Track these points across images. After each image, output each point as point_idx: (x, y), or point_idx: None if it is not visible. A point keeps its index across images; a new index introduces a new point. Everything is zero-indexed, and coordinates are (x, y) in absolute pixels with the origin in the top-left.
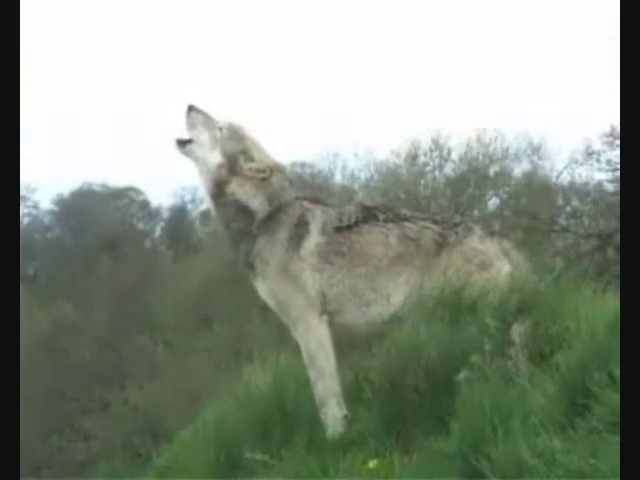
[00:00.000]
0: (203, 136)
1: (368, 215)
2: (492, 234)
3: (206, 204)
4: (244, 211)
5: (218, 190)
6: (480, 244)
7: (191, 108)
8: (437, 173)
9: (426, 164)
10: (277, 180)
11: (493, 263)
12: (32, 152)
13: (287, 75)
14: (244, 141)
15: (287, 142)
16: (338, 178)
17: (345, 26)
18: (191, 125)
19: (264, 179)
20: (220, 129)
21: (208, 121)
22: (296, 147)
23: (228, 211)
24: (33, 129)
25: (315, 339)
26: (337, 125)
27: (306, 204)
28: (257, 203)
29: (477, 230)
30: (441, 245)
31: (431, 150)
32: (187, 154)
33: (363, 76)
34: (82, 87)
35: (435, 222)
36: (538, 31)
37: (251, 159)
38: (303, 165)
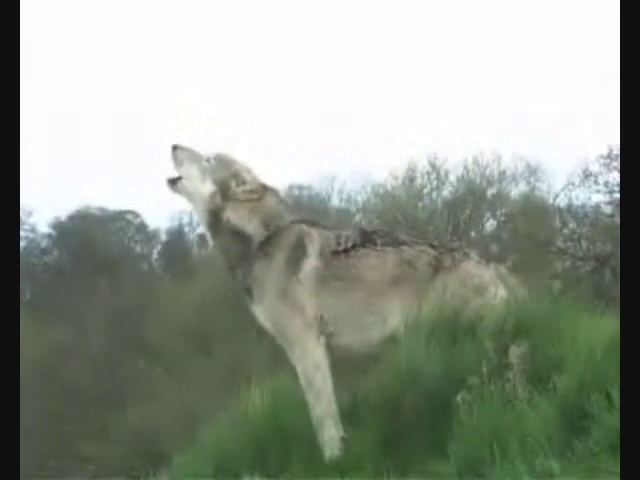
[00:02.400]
0: (192, 170)
1: (366, 239)
2: (488, 260)
3: (205, 233)
4: (240, 236)
5: (214, 219)
6: (476, 269)
7: (175, 147)
8: (434, 195)
9: (423, 186)
10: (271, 202)
11: (488, 288)
12: (29, 175)
13: (284, 97)
14: (233, 166)
15: (284, 164)
16: (335, 201)
17: (341, 47)
18: (178, 163)
19: (258, 200)
20: (207, 160)
21: (194, 155)
22: (293, 169)
23: (225, 238)
24: (30, 152)
25: (312, 361)
26: (334, 147)
27: (303, 227)
28: (252, 227)
29: (473, 255)
30: (437, 269)
31: (428, 172)
32: (180, 191)
33: (359, 98)
34: (79, 109)
35: (432, 247)
36: (534, 52)
37: (243, 182)
38: (300, 187)
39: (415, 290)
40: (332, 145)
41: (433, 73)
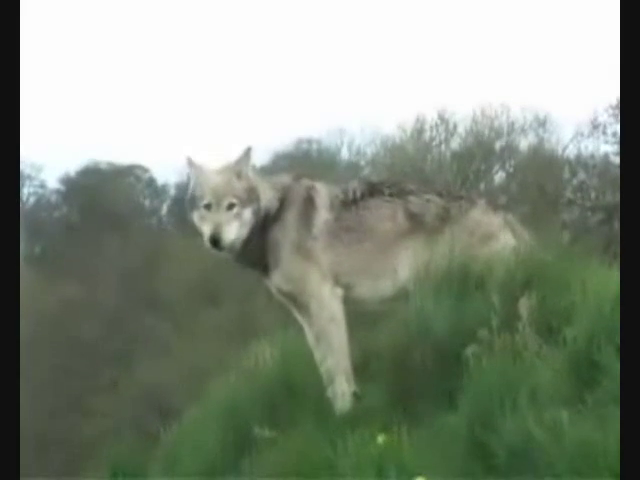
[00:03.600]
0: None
1: (373, 190)
2: (496, 207)
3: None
4: (265, 219)
5: (252, 234)
6: (484, 216)
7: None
8: (443, 148)
9: (432, 139)
10: (256, 177)
11: (497, 236)
12: (38, 131)
13: (292, 51)
14: (227, 182)
15: (292, 118)
16: (344, 154)
17: (351, 2)
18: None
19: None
20: (229, 205)
21: (222, 218)
22: (302, 123)
23: (255, 238)
24: (38, 107)
25: (328, 314)
26: (343, 101)
27: (308, 182)
28: (269, 202)
29: (481, 203)
30: (445, 219)
31: (437, 125)
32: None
33: (368, 50)
34: (87, 62)
35: (439, 195)
36: (544, 3)
37: (239, 177)
38: (309, 141)
39: (424, 241)
40: (341, 98)
41: (440, 24)
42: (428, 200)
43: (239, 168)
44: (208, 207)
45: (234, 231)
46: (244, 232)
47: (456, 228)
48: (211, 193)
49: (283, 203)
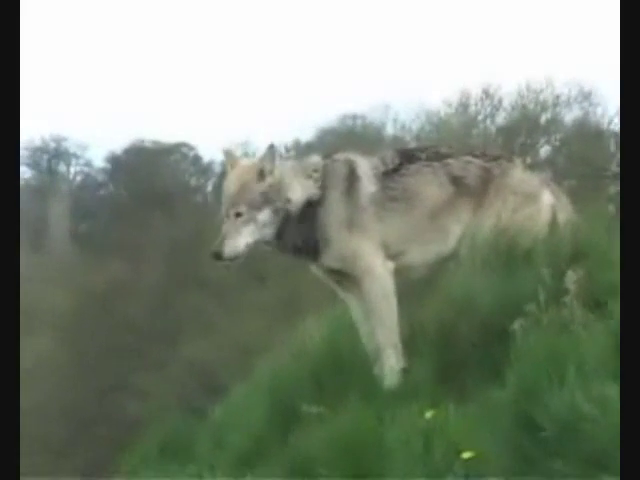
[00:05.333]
0: (238, 249)
1: (409, 157)
2: (531, 167)
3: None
4: (307, 208)
5: (282, 230)
6: (524, 175)
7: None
8: (488, 122)
9: (477, 113)
10: (285, 167)
11: (539, 194)
12: (84, 110)
13: (335, 27)
14: (242, 187)
15: (337, 94)
16: (389, 130)
17: None
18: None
19: (275, 177)
20: (237, 214)
21: (229, 229)
22: (347, 99)
23: (294, 229)
24: (83, 87)
25: (381, 290)
26: (388, 76)
27: (343, 157)
28: (308, 191)
29: (518, 161)
30: (486, 180)
31: (482, 99)
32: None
33: (413, 25)
34: (133, 41)
35: (476, 156)
36: None
37: (261, 177)
38: (354, 117)
39: (470, 204)
40: (385, 74)
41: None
42: (468, 162)
43: (261, 167)
44: (223, 217)
45: (237, 242)
46: (257, 235)
47: (500, 188)
48: (225, 202)
49: (323, 184)
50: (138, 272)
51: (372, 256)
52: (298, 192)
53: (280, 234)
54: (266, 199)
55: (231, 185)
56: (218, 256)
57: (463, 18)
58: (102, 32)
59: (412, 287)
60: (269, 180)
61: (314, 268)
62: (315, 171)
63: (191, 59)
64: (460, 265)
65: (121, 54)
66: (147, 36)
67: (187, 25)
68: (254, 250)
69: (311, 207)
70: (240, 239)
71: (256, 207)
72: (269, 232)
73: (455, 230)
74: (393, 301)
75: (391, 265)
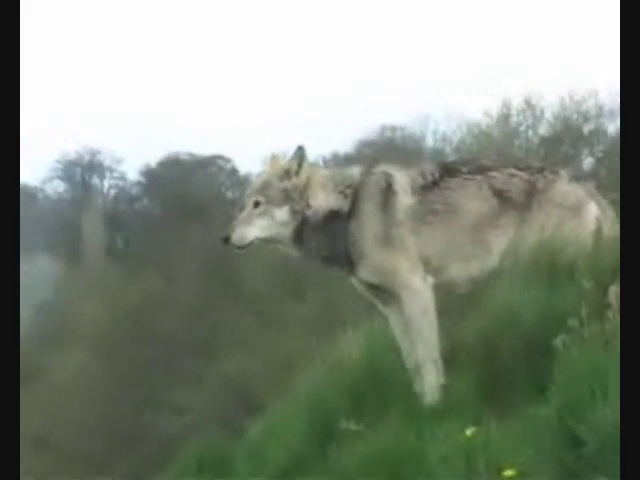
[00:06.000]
0: (249, 236)
1: (450, 170)
2: (577, 178)
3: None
4: (331, 218)
5: (298, 235)
6: (569, 187)
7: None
8: (530, 133)
9: (519, 124)
10: (321, 172)
11: (584, 206)
12: (118, 123)
13: (376, 38)
14: (275, 182)
15: (376, 106)
16: (429, 141)
17: None
18: (238, 232)
19: (310, 179)
20: (255, 203)
21: (245, 220)
22: (386, 110)
23: (316, 233)
24: (117, 99)
25: (420, 305)
26: (427, 87)
27: (380, 170)
28: (333, 200)
29: (563, 173)
30: (530, 193)
31: (523, 110)
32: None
33: (453, 36)
34: (166, 58)
35: (520, 168)
36: None
37: (286, 176)
38: (393, 128)
39: (514, 219)
40: (425, 85)
41: (526, 8)
42: (511, 174)
43: (288, 166)
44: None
45: (247, 232)
46: (272, 231)
47: (544, 202)
48: (247, 192)
49: (356, 197)
50: (174, 286)
51: (410, 271)
52: (320, 200)
53: (299, 239)
54: (286, 197)
55: (258, 178)
56: (226, 240)
57: (504, 28)
58: (138, 46)
59: (453, 302)
60: (294, 180)
61: (353, 280)
62: (348, 186)
63: (229, 72)
64: (503, 280)
65: (157, 68)
66: (184, 50)
67: (224, 37)
68: (291, 262)
69: (338, 219)
70: (251, 229)
71: (275, 202)
72: (286, 232)
73: (498, 244)
74: (433, 316)
75: (431, 280)
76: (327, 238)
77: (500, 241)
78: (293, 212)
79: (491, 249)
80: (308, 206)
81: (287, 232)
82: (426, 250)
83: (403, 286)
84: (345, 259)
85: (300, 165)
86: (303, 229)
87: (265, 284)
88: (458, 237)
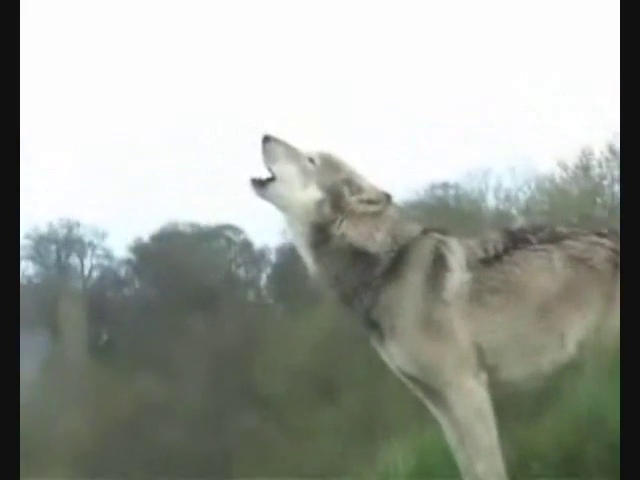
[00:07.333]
0: (290, 170)
1: (517, 239)
2: None
3: (303, 255)
4: (361, 257)
5: (321, 234)
6: None
7: (267, 139)
8: (616, 189)
9: (602, 177)
10: (394, 213)
11: None
12: (102, 189)
13: (420, 80)
14: (344, 169)
15: (423, 159)
16: (490, 201)
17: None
18: (271, 159)
19: (378, 212)
20: (310, 160)
21: (292, 152)
22: (435, 165)
23: (337, 261)
24: (99, 159)
25: (472, 407)
26: (487, 134)
27: (437, 236)
28: (378, 244)
29: None
30: (617, 264)
31: (607, 159)
32: (270, 197)
33: (518, 75)
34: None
35: (602, 235)
36: None
37: (359, 189)
38: (445, 186)
39: (596, 296)
40: (484, 132)
41: (608, 41)
42: (593, 243)
43: (370, 191)
44: None
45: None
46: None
47: None
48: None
49: (404, 256)
50: (174, 389)
51: (458, 366)
52: (356, 236)
53: (317, 251)
54: (336, 193)
55: (343, 164)
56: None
57: (583, 62)
58: (124, 93)
59: (518, 400)
60: (352, 199)
61: (383, 354)
62: (404, 237)
63: (240, 125)
64: (583, 375)
65: (147, 120)
66: (182, 99)
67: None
68: (319, 357)
69: (376, 270)
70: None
71: (323, 185)
72: (313, 221)
73: (575, 331)
74: (491, 421)
75: (484, 376)
76: (353, 279)
77: (578, 326)
78: (332, 206)
79: (564, 337)
80: (343, 235)
81: (312, 221)
82: (480, 339)
83: (448, 384)
84: (370, 321)
85: (378, 202)
86: (325, 250)
87: (288, 385)
88: (522, 323)
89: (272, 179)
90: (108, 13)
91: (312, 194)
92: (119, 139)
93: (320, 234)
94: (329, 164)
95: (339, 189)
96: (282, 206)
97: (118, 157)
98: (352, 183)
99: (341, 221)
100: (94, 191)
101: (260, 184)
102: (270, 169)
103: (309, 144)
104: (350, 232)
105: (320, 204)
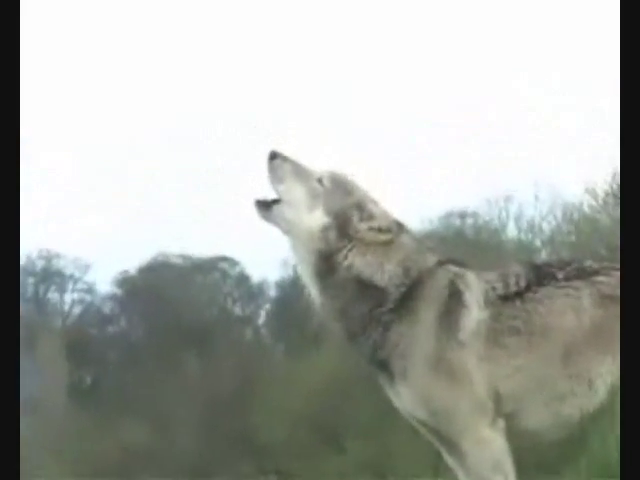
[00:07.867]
0: (296, 192)
1: (542, 274)
2: None
3: (307, 284)
4: (369, 289)
5: (326, 263)
6: None
7: (274, 156)
8: None
9: None
10: (408, 242)
11: None
12: (85, 220)
13: (435, 104)
14: (355, 193)
15: (438, 186)
16: (512, 231)
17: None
18: (277, 179)
19: (389, 242)
20: (319, 180)
21: (300, 171)
22: (451, 192)
23: (344, 293)
24: (82, 185)
25: (489, 458)
26: (508, 159)
27: (454, 269)
28: (387, 276)
29: None
30: None
31: None
32: (274, 219)
33: (539, 95)
34: (150, 132)
35: None
36: None
37: (370, 216)
38: (463, 215)
39: None
40: (505, 156)
41: (606, 40)
42: None
43: (383, 219)
44: None
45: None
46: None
47: None
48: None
49: (416, 290)
50: (164, 439)
51: (473, 414)
52: (364, 267)
53: (322, 281)
54: (344, 219)
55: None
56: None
57: (582, 62)
58: (123, 93)
59: (542, 452)
60: (362, 226)
61: (390, 394)
62: (418, 268)
63: (235, 122)
64: (614, 423)
65: (146, 120)
66: (173, 120)
67: (236, 83)
68: (324, 401)
69: (386, 302)
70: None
71: (330, 208)
72: (319, 248)
73: (605, 375)
74: (510, 474)
75: (502, 424)
76: (359, 310)
77: (608, 370)
78: (338, 232)
79: (593, 382)
80: (349, 266)
81: (319, 249)
82: (498, 384)
83: (462, 433)
84: (378, 361)
85: (389, 230)
86: (330, 276)
87: (289, 432)
88: (545, 367)
89: (277, 201)
90: (108, 13)
91: (318, 218)
92: (106, 163)
93: (325, 263)
94: (339, 186)
95: (348, 214)
96: (287, 230)
97: (103, 183)
98: (363, 208)
99: (349, 250)
100: (76, 220)
101: (265, 206)
102: (276, 189)
103: (309, 145)
104: (357, 262)
105: (326, 230)
